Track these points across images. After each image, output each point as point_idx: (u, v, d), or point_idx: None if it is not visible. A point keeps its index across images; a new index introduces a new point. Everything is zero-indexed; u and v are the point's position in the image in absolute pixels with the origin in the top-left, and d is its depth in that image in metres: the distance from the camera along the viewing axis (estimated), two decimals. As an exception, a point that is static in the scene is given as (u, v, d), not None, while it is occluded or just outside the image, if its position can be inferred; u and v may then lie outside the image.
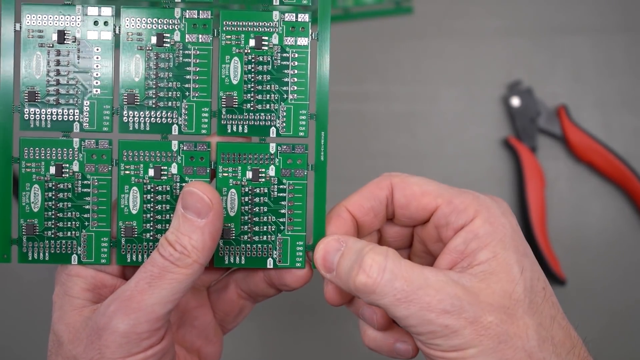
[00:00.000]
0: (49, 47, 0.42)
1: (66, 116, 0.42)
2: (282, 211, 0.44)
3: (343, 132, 0.71)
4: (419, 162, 0.71)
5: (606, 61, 0.72)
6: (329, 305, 0.44)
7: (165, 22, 0.42)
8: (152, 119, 0.43)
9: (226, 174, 0.43)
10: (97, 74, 0.42)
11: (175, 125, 0.43)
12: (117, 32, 0.42)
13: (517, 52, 0.72)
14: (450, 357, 0.38)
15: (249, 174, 0.43)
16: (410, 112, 0.71)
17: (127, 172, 0.43)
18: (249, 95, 0.43)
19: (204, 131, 0.43)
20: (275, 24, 0.43)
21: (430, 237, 0.44)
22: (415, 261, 0.44)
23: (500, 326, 0.37)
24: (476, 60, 0.72)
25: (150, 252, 0.42)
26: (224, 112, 0.43)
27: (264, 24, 0.43)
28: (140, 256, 0.43)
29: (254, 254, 0.44)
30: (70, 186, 0.42)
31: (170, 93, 0.43)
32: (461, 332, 0.37)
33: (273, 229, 0.44)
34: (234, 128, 0.43)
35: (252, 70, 0.43)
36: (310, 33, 0.43)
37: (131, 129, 0.43)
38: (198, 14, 0.42)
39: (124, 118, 0.43)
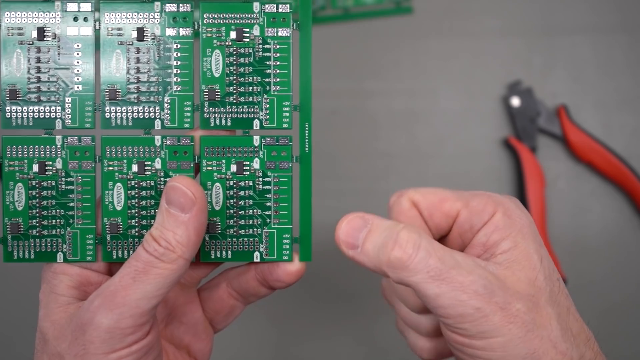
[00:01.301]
0: (29, 44, 0.42)
1: (48, 113, 0.42)
2: (268, 204, 0.43)
3: (343, 131, 0.70)
4: (419, 162, 0.71)
5: (606, 61, 0.72)
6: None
7: (145, 17, 0.42)
8: (135, 114, 0.42)
9: (210, 168, 0.43)
10: (78, 70, 0.42)
11: (157, 120, 0.43)
12: (97, 27, 0.42)
13: (517, 52, 0.72)
14: (476, 345, 0.37)
15: (234, 168, 0.43)
16: (410, 112, 0.71)
17: (110, 168, 0.42)
18: (231, 87, 0.43)
19: (186, 125, 0.43)
20: (256, 16, 0.43)
21: (456, 245, 0.43)
22: None
23: (527, 314, 0.37)
24: (476, 60, 0.72)
25: (136, 248, 0.42)
26: (206, 106, 0.43)
27: (245, 15, 0.43)
28: (126, 252, 0.43)
29: (240, 248, 0.43)
30: (54, 184, 0.42)
31: (151, 87, 0.42)
32: (491, 318, 0.37)
33: (259, 222, 0.43)
34: (217, 121, 0.43)
35: (234, 62, 0.43)
36: (291, 24, 0.43)
37: (113, 124, 0.43)
38: (178, 8, 0.42)
39: (106, 114, 0.42)
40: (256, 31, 0.43)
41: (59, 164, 0.42)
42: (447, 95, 0.71)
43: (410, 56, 0.72)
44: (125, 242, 0.43)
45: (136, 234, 0.43)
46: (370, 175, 0.70)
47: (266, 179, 0.43)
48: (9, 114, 0.42)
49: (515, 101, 0.70)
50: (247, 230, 0.43)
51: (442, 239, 0.44)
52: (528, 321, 0.37)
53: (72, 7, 0.42)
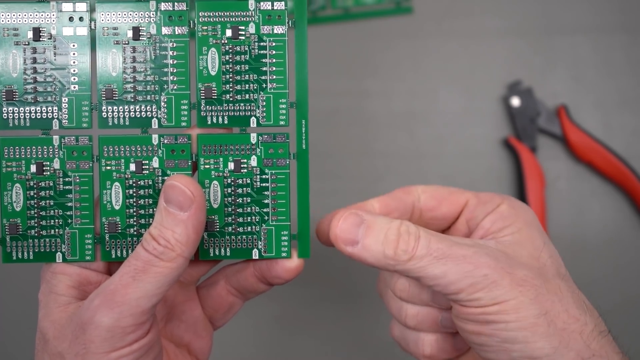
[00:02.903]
0: (25, 44, 0.42)
1: (45, 114, 0.42)
2: (266, 201, 0.43)
3: (343, 131, 0.70)
4: (419, 162, 0.71)
5: (606, 61, 0.72)
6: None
7: (140, 15, 0.42)
8: (132, 113, 0.43)
9: (208, 166, 0.43)
10: (74, 70, 0.42)
11: (154, 118, 0.43)
12: (92, 27, 0.42)
13: (517, 52, 0.72)
14: (491, 312, 0.38)
15: (231, 165, 0.43)
16: (410, 112, 0.71)
17: (108, 167, 0.43)
18: (227, 86, 0.43)
19: (183, 124, 0.43)
20: (252, 13, 0.43)
21: (461, 233, 0.45)
22: None
23: (536, 279, 0.38)
24: (476, 60, 0.72)
25: (135, 247, 0.42)
26: (203, 104, 0.43)
27: (240, 13, 0.43)
28: (124, 252, 0.43)
29: (239, 246, 0.43)
30: (51, 184, 0.42)
31: (148, 86, 0.42)
32: (500, 283, 0.38)
33: (257, 220, 0.43)
34: (214, 119, 0.43)
35: (230, 60, 0.43)
36: (287, 21, 0.43)
37: (111, 124, 0.43)
38: (173, 6, 0.42)
39: (103, 113, 0.42)
40: (252, 29, 0.43)
41: (56, 164, 0.42)
42: (447, 96, 0.71)
43: (410, 56, 0.72)
44: (124, 241, 0.43)
45: (135, 233, 0.43)
46: (370, 176, 0.70)
47: (264, 177, 0.43)
48: (5, 114, 0.42)
49: (515, 101, 0.70)
50: (245, 228, 0.43)
51: (448, 228, 0.46)
52: (538, 285, 0.38)
53: (67, 7, 0.42)
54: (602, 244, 0.70)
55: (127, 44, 0.42)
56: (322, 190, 0.66)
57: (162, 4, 0.42)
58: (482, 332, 0.39)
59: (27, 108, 0.42)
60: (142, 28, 0.42)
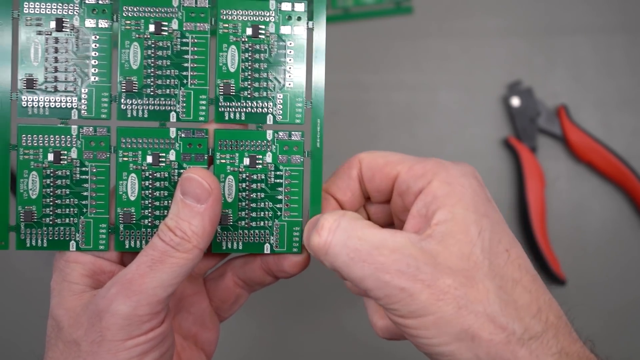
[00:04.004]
0: (47, 34, 0.42)
1: (64, 103, 0.43)
2: (279, 197, 0.44)
3: (343, 131, 0.71)
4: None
5: (606, 61, 0.73)
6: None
7: (163, 11, 0.43)
8: (151, 106, 0.43)
9: (224, 161, 0.44)
10: (95, 62, 0.43)
11: (173, 112, 0.43)
12: (115, 20, 0.43)
13: (517, 52, 0.73)
14: (409, 324, 0.37)
15: (246, 161, 0.44)
16: (410, 112, 0.72)
17: (125, 159, 0.43)
18: (246, 83, 0.44)
19: (201, 118, 0.44)
20: (272, 13, 0.44)
21: (398, 207, 0.43)
22: None
23: (459, 289, 0.36)
24: (476, 60, 0.72)
25: (149, 238, 0.43)
26: (221, 100, 0.43)
27: (261, 13, 0.44)
28: (138, 242, 0.43)
29: (251, 240, 0.44)
30: (68, 173, 0.43)
31: (168, 81, 0.43)
32: (418, 297, 0.36)
33: (270, 215, 0.44)
34: (231, 115, 0.44)
35: (250, 58, 0.44)
36: (306, 22, 0.44)
37: (129, 116, 0.43)
38: (195, 3, 0.43)
39: (122, 105, 0.43)
40: (272, 28, 0.44)
41: (73, 154, 0.43)
42: (447, 95, 0.72)
43: (410, 56, 0.72)
44: (138, 232, 0.43)
45: (149, 224, 0.43)
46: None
47: (278, 173, 0.44)
48: (25, 102, 0.42)
49: (515, 101, 0.71)
50: (258, 223, 0.44)
51: (386, 203, 0.45)
52: (459, 297, 0.36)
53: (91, -1, 0.43)
54: (602, 244, 0.71)
55: (149, 38, 0.43)
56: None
57: (185, 0, 0.43)
58: (408, 339, 0.38)
59: (47, 97, 0.42)
60: (164, 23, 0.43)
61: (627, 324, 0.70)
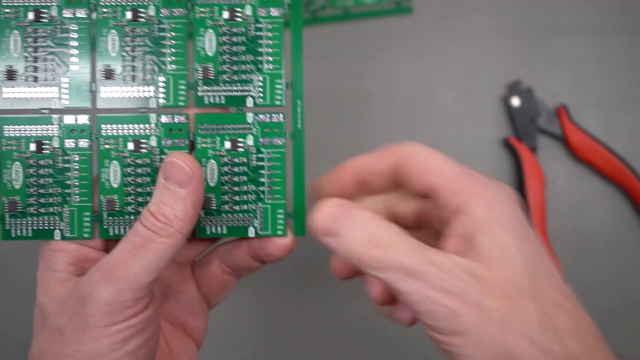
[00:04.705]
0: (26, 25, 0.43)
1: (45, 94, 0.43)
2: (262, 180, 0.44)
3: (342, 131, 0.71)
4: (419, 162, 0.71)
5: (606, 61, 0.72)
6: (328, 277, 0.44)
7: (140, -2, 0.43)
8: (130, 93, 0.43)
9: (205, 145, 0.44)
10: (74, 51, 0.43)
11: (152, 98, 0.43)
12: (91, 8, 0.43)
13: (517, 52, 0.72)
14: (449, 342, 0.37)
15: (228, 144, 0.44)
16: (410, 112, 0.71)
17: (107, 146, 0.43)
18: (224, 66, 0.44)
19: (181, 103, 0.44)
20: (248, -4, 0.44)
21: (433, 215, 0.43)
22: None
23: (502, 312, 0.37)
24: (476, 60, 0.72)
25: (133, 225, 0.43)
26: (200, 84, 0.43)
27: (237, -5, 0.44)
28: (122, 229, 0.43)
29: (235, 224, 0.44)
30: (51, 162, 0.43)
31: (146, 67, 0.43)
32: (462, 316, 0.36)
33: (253, 198, 0.44)
34: (211, 99, 0.44)
35: (227, 41, 0.44)
36: (283, 3, 0.44)
37: (110, 104, 0.43)
38: (171, -12, 0.43)
39: (102, 93, 0.43)
40: (248, 11, 0.44)
41: (55, 143, 0.43)
42: (447, 95, 0.72)
43: (410, 56, 0.72)
44: (122, 219, 0.43)
45: (132, 210, 0.43)
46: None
47: (260, 155, 0.44)
48: (6, 94, 0.43)
49: (515, 101, 0.70)
50: (241, 206, 0.44)
51: (426, 203, 0.44)
52: (503, 319, 0.37)
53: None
54: (602, 244, 0.70)
55: (126, 25, 0.43)
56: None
57: (161, -14, 0.43)
58: (444, 354, 0.38)
59: (27, 88, 0.43)
60: (141, 10, 0.43)
61: (627, 323, 0.69)
